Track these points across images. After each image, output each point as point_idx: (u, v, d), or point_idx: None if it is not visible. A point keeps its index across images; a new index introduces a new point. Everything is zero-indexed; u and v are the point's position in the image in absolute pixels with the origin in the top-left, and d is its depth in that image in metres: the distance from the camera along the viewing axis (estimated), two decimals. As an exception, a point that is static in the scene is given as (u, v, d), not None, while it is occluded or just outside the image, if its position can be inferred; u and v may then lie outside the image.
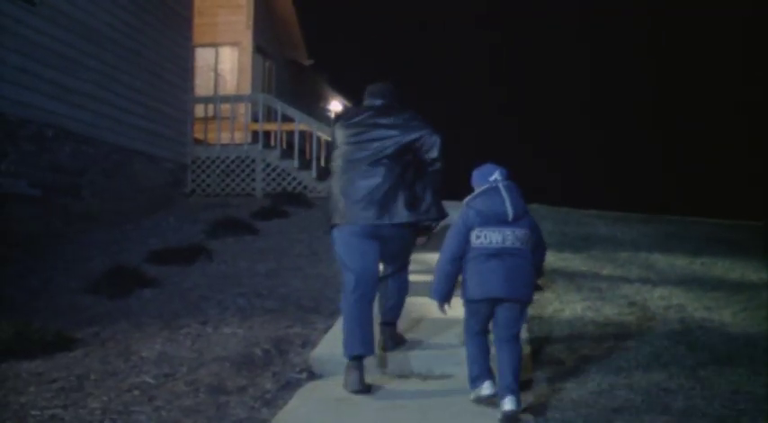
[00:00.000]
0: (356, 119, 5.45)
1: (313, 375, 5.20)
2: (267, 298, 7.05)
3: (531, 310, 6.23)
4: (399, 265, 5.52)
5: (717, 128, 44.77)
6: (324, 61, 24.59)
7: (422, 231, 5.46)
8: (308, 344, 5.68)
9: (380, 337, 5.44)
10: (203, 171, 15.25)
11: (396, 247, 5.34)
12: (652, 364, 5.02)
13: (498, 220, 4.61)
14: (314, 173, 15.43)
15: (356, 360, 4.94)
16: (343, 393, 4.81)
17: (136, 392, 4.87)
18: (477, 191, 4.77)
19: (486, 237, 4.62)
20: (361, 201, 5.16)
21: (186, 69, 14.65)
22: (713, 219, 13.25)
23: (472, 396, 4.64)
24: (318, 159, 16.02)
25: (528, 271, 4.66)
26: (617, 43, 56.76)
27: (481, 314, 4.66)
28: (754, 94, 41.59)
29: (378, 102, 5.53)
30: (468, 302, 4.71)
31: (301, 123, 16.20)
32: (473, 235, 4.65)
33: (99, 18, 11.28)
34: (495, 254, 4.59)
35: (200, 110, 16.12)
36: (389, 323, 5.55)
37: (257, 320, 6.31)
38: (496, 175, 4.75)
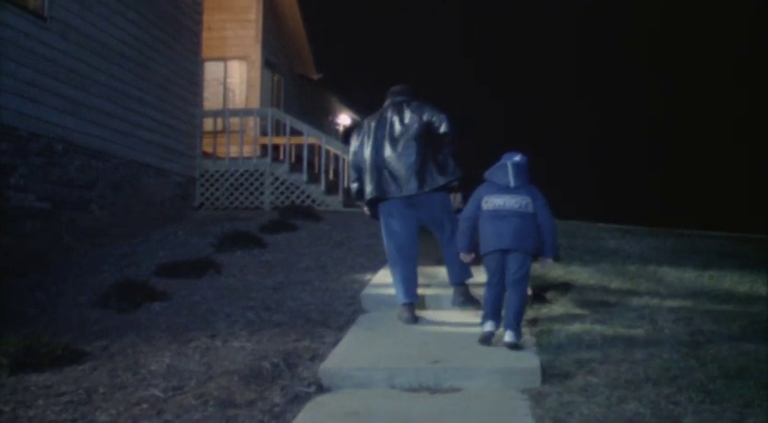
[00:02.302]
0: (386, 114, 6.89)
1: (322, 389, 5.18)
2: (276, 311, 7.05)
3: (540, 326, 6.31)
4: (450, 231, 6.70)
5: (725, 141, 44.71)
6: (332, 75, 24.65)
7: (453, 190, 6.90)
8: (317, 357, 5.67)
9: (455, 297, 6.89)
10: (212, 184, 15.29)
11: (435, 211, 6.76)
12: (661, 377, 5.00)
13: (501, 189, 5.87)
14: (322, 186, 15.47)
15: (406, 305, 6.52)
16: (352, 407, 4.80)
17: (144, 406, 4.87)
18: (493, 167, 6.05)
19: (491, 202, 5.87)
20: (402, 176, 6.63)
21: (195, 83, 14.71)
22: (721, 232, 13.22)
23: (479, 331, 5.81)
24: (327, 173, 16.07)
25: (528, 228, 5.79)
26: (622, 50, 56.76)
27: (493, 265, 5.83)
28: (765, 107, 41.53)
29: (399, 98, 6.96)
30: (483, 256, 5.94)
31: (310, 137, 16.26)
32: (483, 201, 5.92)
33: (109, 33, 11.35)
34: (499, 215, 5.80)
35: (209, 123, 16.16)
36: (460, 284, 6.87)
37: (266, 334, 6.31)
38: (511, 156, 6.02)
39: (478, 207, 5.94)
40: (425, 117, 6.69)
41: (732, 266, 8.48)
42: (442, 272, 8.01)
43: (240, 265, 9.18)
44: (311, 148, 16.89)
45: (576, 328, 6.17)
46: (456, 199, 7.01)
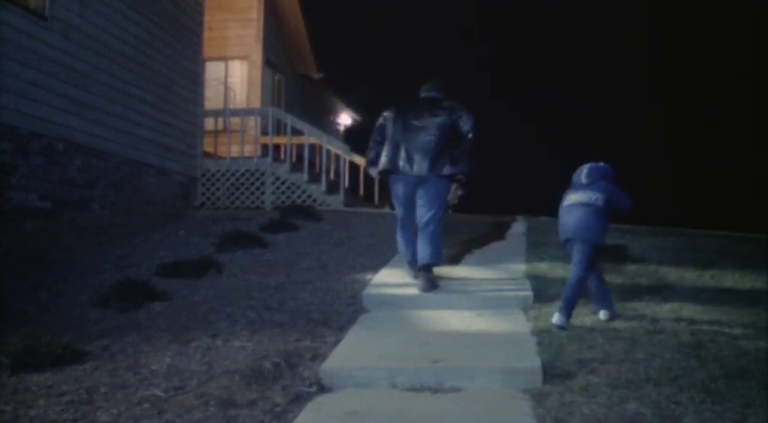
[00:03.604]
0: (418, 104, 7.71)
1: (323, 389, 5.18)
2: (277, 311, 7.05)
3: (540, 322, 6.35)
4: (432, 216, 7.43)
5: (726, 139, 44.68)
6: (333, 75, 24.66)
7: (455, 181, 7.58)
8: (318, 357, 5.67)
9: (420, 280, 7.41)
10: (213, 184, 15.30)
11: (431, 193, 7.47)
12: (662, 377, 5.00)
13: (576, 186, 6.65)
14: (323, 186, 15.47)
15: (409, 263, 7.80)
16: (353, 407, 4.80)
17: (146, 405, 4.87)
18: None
19: (567, 198, 6.65)
20: (417, 159, 7.47)
21: (196, 83, 14.71)
22: (722, 231, 13.21)
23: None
24: (328, 173, 16.08)
25: (593, 220, 6.42)
26: (620, 48, 56.73)
27: (569, 251, 6.62)
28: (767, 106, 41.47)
29: (432, 93, 7.78)
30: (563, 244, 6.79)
31: (311, 136, 16.27)
32: (564, 199, 6.68)
33: (110, 32, 11.35)
34: (569, 208, 6.57)
35: (210, 123, 16.17)
36: (428, 268, 7.43)
37: (267, 334, 6.31)
38: (590, 164, 6.73)
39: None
40: (455, 115, 7.53)
41: (733, 266, 8.49)
42: (440, 271, 8.06)
43: (241, 264, 9.18)
44: (312, 147, 16.89)
45: (576, 327, 6.18)
46: (456, 192, 7.61)
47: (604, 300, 6.50)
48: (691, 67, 51.46)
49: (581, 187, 6.59)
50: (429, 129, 7.50)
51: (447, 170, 7.47)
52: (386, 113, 7.83)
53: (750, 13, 43.50)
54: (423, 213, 7.50)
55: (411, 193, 7.60)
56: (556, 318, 6.16)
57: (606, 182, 6.59)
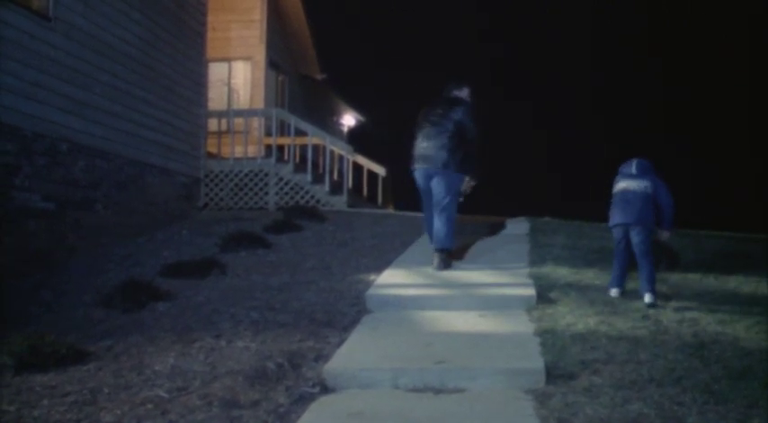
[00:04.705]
0: (437, 104, 8.70)
1: (326, 389, 5.18)
2: (280, 312, 7.05)
3: (543, 323, 6.32)
4: (445, 205, 8.39)
5: (730, 140, 44.64)
6: (336, 76, 24.66)
7: (469, 174, 8.57)
8: (322, 358, 5.67)
9: (435, 260, 8.38)
10: (216, 185, 15.31)
11: (442, 185, 8.41)
12: (665, 378, 5.00)
13: (626, 176, 7.42)
14: (327, 187, 15.48)
15: (439, 251, 8.37)
16: (356, 407, 4.81)
17: (149, 406, 4.88)
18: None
19: (618, 186, 7.44)
20: (430, 156, 8.45)
21: (200, 83, 14.72)
22: (726, 232, 13.18)
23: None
24: (331, 173, 16.07)
25: (644, 206, 7.20)
26: (622, 47, 56.72)
27: (618, 233, 7.34)
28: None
29: (452, 94, 8.82)
30: (611, 227, 7.49)
31: (314, 137, 16.28)
32: (615, 187, 7.48)
33: (113, 33, 11.36)
34: (623, 196, 7.33)
35: (213, 124, 16.16)
36: (443, 250, 8.40)
37: (270, 334, 6.31)
38: (635, 161, 7.49)
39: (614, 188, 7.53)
40: (462, 122, 8.48)
41: (737, 267, 8.47)
42: (445, 273, 8.07)
43: (245, 265, 9.18)
44: (315, 148, 16.90)
45: (580, 328, 6.17)
46: (469, 183, 8.65)
47: (652, 283, 7.00)
48: (692, 68, 51.43)
49: (631, 177, 7.36)
50: (440, 130, 8.45)
51: (456, 166, 8.39)
52: (423, 112, 8.80)
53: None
54: (437, 202, 8.46)
55: (427, 183, 8.55)
56: (648, 298, 6.87)
57: (654, 175, 7.39)
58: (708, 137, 45.65)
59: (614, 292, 7.20)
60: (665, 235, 7.46)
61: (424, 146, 8.52)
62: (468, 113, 8.54)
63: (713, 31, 53.15)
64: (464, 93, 8.88)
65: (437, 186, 8.44)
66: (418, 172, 8.61)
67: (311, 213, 12.88)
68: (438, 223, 8.41)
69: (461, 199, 8.74)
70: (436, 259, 8.36)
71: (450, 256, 8.54)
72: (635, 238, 7.19)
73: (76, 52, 10.41)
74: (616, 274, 7.30)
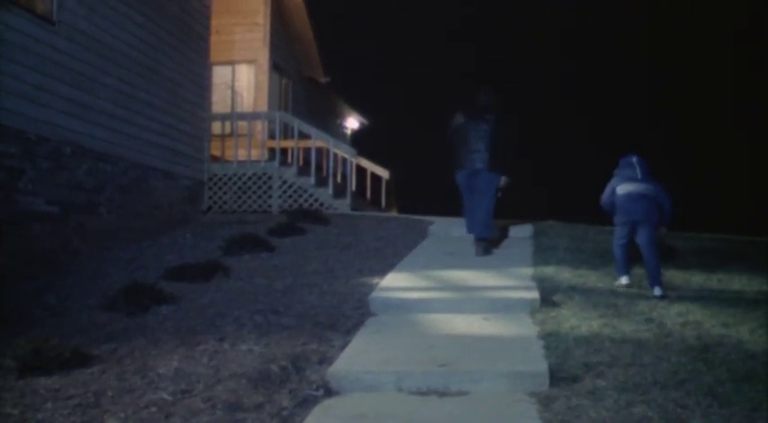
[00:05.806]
0: (475, 115, 9.84)
1: (330, 392, 5.19)
2: (284, 315, 7.05)
3: (547, 326, 6.32)
4: (487, 200, 9.70)
5: (731, 141, 44.56)
6: (340, 79, 24.65)
7: (506, 174, 9.79)
8: (325, 361, 5.68)
9: (476, 248, 9.63)
10: (220, 188, 15.31)
11: (484, 183, 9.70)
12: (669, 380, 5.00)
13: (630, 179, 8.00)
14: (330, 190, 15.47)
15: (479, 240, 9.69)
16: (360, 410, 4.81)
17: (153, 409, 4.88)
18: (621, 164, 8.22)
19: (624, 188, 7.97)
20: (474, 158, 9.69)
21: (203, 87, 14.74)
22: (729, 235, 13.16)
23: (615, 284, 7.87)
24: (335, 176, 16.06)
25: (650, 206, 7.86)
26: (621, 47, 56.65)
27: (623, 230, 7.92)
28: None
29: (485, 100, 9.99)
30: (616, 224, 8.06)
31: (318, 140, 16.28)
32: (618, 188, 8.03)
33: (117, 36, 11.39)
34: (628, 197, 7.90)
35: (217, 127, 16.18)
36: (483, 239, 9.72)
37: (274, 337, 6.32)
38: (633, 158, 8.16)
39: (613, 192, 8.08)
40: (498, 127, 9.71)
41: (740, 269, 8.47)
42: (448, 275, 8.09)
43: (248, 268, 9.18)
44: (319, 151, 16.88)
45: (583, 331, 6.17)
46: (506, 182, 9.88)
47: (660, 276, 7.55)
48: (694, 67, 51.38)
49: (637, 180, 7.99)
50: (482, 136, 9.69)
51: (491, 167, 9.63)
52: (454, 121, 10.05)
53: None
54: (480, 199, 9.72)
55: (470, 183, 9.76)
56: (657, 291, 7.40)
57: (653, 178, 8.06)
58: (708, 137, 45.57)
59: (625, 279, 7.86)
60: (662, 231, 8.22)
61: (467, 150, 9.71)
62: (503, 120, 9.79)
63: (713, 30, 53.08)
64: (496, 100, 10.02)
65: (479, 185, 9.70)
66: (463, 173, 9.81)
67: (315, 216, 12.86)
68: (479, 216, 9.67)
69: (499, 195, 9.83)
70: (477, 247, 9.63)
71: (490, 244, 9.88)
72: (642, 234, 7.80)
73: (80, 56, 10.43)
74: (622, 264, 7.94)
